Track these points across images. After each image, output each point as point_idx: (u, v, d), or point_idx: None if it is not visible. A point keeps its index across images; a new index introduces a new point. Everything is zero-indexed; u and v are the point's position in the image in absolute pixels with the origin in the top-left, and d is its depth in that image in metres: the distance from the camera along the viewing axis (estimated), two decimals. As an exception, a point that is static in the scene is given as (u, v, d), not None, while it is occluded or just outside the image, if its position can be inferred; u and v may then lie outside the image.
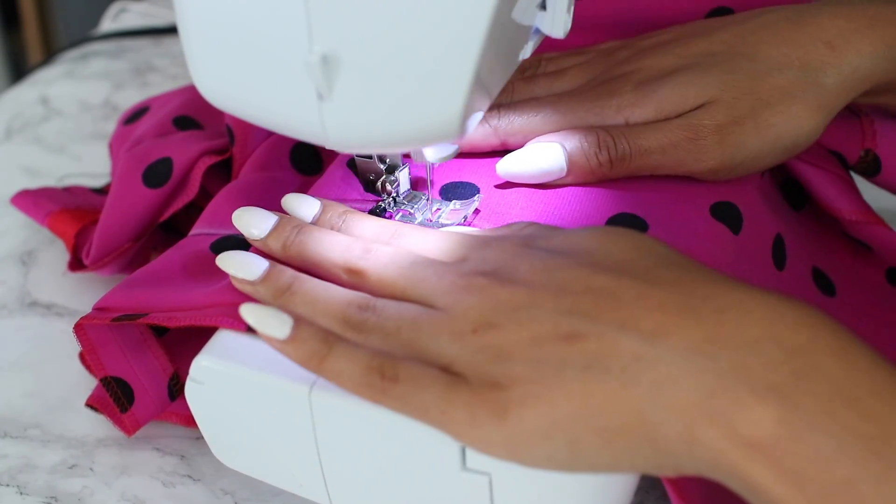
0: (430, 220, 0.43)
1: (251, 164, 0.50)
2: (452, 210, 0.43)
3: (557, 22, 0.41)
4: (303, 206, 0.42)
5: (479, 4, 0.32)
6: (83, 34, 0.90)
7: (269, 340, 0.36)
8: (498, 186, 0.44)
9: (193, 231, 0.47)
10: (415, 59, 0.34)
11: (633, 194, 0.44)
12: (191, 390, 0.39)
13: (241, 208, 0.42)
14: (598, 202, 0.43)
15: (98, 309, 0.43)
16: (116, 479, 0.45)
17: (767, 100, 0.43)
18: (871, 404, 0.30)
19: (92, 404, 0.45)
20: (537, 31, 0.42)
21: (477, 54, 0.33)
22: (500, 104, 0.46)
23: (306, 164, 0.51)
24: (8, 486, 0.45)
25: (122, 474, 0.45)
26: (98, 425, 0.47)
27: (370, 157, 0.43)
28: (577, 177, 0.44)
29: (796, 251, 0.47)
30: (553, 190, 0.44)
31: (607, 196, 0.44)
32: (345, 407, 0.36)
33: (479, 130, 0.45)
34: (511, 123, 0.45)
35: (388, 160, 0.43)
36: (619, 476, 0.35)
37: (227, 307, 0.40)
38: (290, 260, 0.40)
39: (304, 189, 0.47)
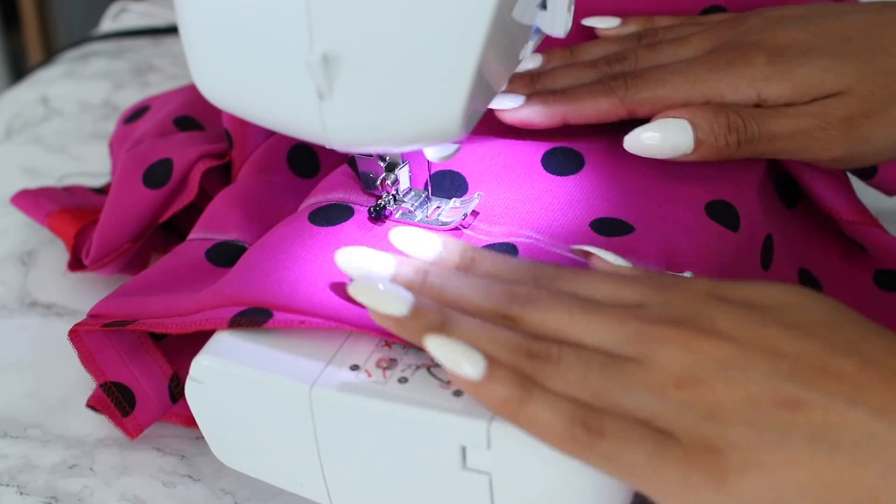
0: (429, 218, 0.43)
1: (248, 167, 0.50)
2: (452, 208, 0.43)
3: (558, 21, 0.41)
4: (423, 247, 0.39)
5: (480, 4, 0.32)
6: (83, 34, 0.89)
7: (457, 380, 0.33)
8: (489, 181, 0.44)
9: (191, 236, 0.48)
10: (416, 58, 0.34)
11: (621, 196, 0.43)
12: (191, 390, 0.39)
13: (355, 251, 0.38)
14: (588, 203, 0.43)
15: (92, 316, 0.44)
16: (116, 479, 0.45)
17: None
18: None
19: (93, 405, 0.45)
20: (538, 30, 0.42)
21: (478, 54, 0.33)
22: (626, 72, 0.45)
23: (304, 166, 0.51)
24: (8, 486, 0.45)
25: (122, 474, 0.45)
26: (98, 425, 0.47)
27: (370, 155, 0.43)
28: (703, 155, 0.43)
29: (784, 251, 0.47)
30: (541, 187, 0.43)
31: (594, 197, 0.44)
32: (345, 406, 0.36)
33: (606, 102, 0.44)
34: (639, 93, 0.44)
35: (388, 158, 0.43)
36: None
37: (212, 310, 0.40)
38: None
39: (300, 192, 0.47)
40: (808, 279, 0.48)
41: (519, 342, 0.34)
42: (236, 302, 0.40)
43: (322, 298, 0.39)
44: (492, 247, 0.41)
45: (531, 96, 0.45)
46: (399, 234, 0.39)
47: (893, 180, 0.50)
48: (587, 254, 0.39)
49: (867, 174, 0.50)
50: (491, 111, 0.45)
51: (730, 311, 0.33)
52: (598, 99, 0.44)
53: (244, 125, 0.50)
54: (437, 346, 0.33)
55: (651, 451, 0.31)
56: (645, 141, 0.43)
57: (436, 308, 0.35)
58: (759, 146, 0.43)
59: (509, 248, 0.41)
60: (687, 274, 0.39)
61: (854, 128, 0.43)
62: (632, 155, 0.44)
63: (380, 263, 0.37)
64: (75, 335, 0.44)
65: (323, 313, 0.38)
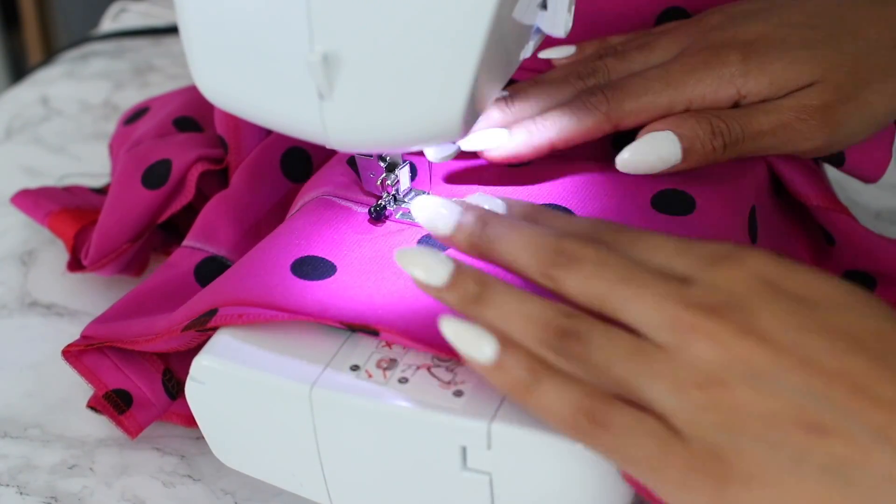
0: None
1: (242, 171, 0.50)
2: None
3: (558, 21, 0.41)
4: (489, 201, 0.38)
5: (480, 4, 0.32)
6: (83, 34, 0.89)
7: (470, 360, 0.33)
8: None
9: (185, 242, 0.48)
10: (416, 58, 0.34)
11: (568, 192, 0.44)
12: (191, 390, 0.39)
13: (424, 198, 0.37)
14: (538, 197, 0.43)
15: (84, 337, 0.45)
16: (116, 479, 0.45)
17: (868, 79, 0.44)
18: None
19: (94, 405, 0.45)
20: (538, 30, 0.42)
21: (478, 54, 0.33)
22: (603, 86, 0.45)
23: (297, 171, 0.51)
24: (8, 486, 0.45)
25: (122, 474, 0.45)
26: (98, 425, 0.47)
27: (370, 155, 0.43)
28: (692, 163, 0.43)
29: (763, 242, 0.47)
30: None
31: (541, 192, 0.44)
32: (345, 406, 0.36)
33: (590, 120, 0.44)
34: (622, 105, 0.44)
35: (388, 158, 0.43)
36: (620, 476, 0.35)
37: (180, 323, 0.41)
38: (479, 258, 0.36)
39: (293, 196, 0.48)
40: None
41: (550, 318, 0.33)
42: (199, 312, 0.40)
43: (263, 289, 0.39)
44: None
45: (512, 127, 0.44)
46: (476, 197, 0.38)
47: (867, 166, 0.50)
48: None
49: (836, 161, 0.50)
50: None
51: (777, 306, 0.30)
52: (582, 119, 0.44)
53: (237, 131, 0.51)
54: (450, 329, 0.33)
55: (655, 449, 0.30)
56: (636, 160, 0.43)
57: (475, 276, 0.34)
58: (745, 146, 0.43)
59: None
60: None
61: (831, 115, 0.43)
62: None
63: (446, 208, 0.36)
64: (69, 355, 0.45)
65: (266, 303, 0.38)
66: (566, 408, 0.32)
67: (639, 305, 0.32)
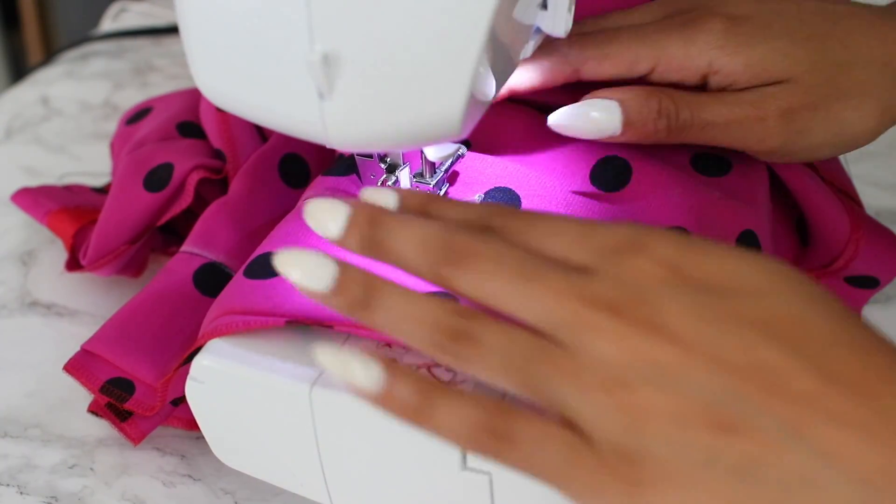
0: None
1: (240, 177, 0.50)
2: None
3: (559, 21, 0.41)
4: (380, 196, 0.34)
5: (480, 4, 0.32)
6: (83, 34, 0.89)
7: (356, 392, 0.30)
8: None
9: (184, 247, 0.49)
10: (416, 58, 0.33)
11: (508, 166, 0.43)
12: (191, 390, 0.39)
13: (314, 200, 0.33)
14: (481, 175, 0.43)
15: (85, 351, 0.45)
16: (117, 478, 0.45)
17: (845, 92, 0.41)
18: None
19: (94, 410, 0.46)
20: (538, 30, 0.42)
21: (478, 53, 0.33)
22: (573, 34, 0.42)
23: (295, 176, 0.51)
24: (8, 486, 0.45)
25: (122, 474, 0.45)
26: (98, 425, 0.47)
27: (370, 156, 0.43)
28: (631, 137, 0.41)
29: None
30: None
31: (487, 169, 0.43)
32: (345, 406, 0.36)
33: (549, 60, 0.42)
34: (585, 50, 0.42)
35: (388, 159, 0.43)
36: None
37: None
38: (371, 258, 0.33)
39: (291, 202, 0.48)
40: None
41: (441, 319, 0.30)
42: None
43: (226, 297, 0.40)
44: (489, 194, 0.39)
45: None
46: (367, 192, 0.34)
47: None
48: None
49: (872, 284, 0.49)
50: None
51: (684, 297, 0.28)
52: (543, 61, 0.42)
53: (233, 141, 0.52)
54: (329, 361, 0.30)
55: (563, 457, 0.29)
56: (568, 119, 0.41)
57: (361, 279, 0.31)
58: (691, 133, 0.41)
59: (506, 194, 0.39)
60: None
61: (793, 120, 0.41)
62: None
63: (335, 211, 0.32)
64: (74, 370, 0.45)
65: (227, 309, 0.39)
66: (466, 427, 0.29)
67: (537, 303, 0.29)
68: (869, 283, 0.50)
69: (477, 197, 0.43)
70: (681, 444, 0.27)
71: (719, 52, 0.41)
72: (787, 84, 0.41)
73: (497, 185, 0.43)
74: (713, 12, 0.42)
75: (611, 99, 0.41)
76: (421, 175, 0.42)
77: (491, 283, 0.30)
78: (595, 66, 0.42)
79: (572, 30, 0.42)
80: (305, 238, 0.41)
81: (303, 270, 0.31)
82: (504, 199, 0.42)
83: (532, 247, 0.31)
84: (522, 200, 0.42)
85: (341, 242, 0.32)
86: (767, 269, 0.29)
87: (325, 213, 0.32)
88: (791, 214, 0.50)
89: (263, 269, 0.40)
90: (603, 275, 0.29)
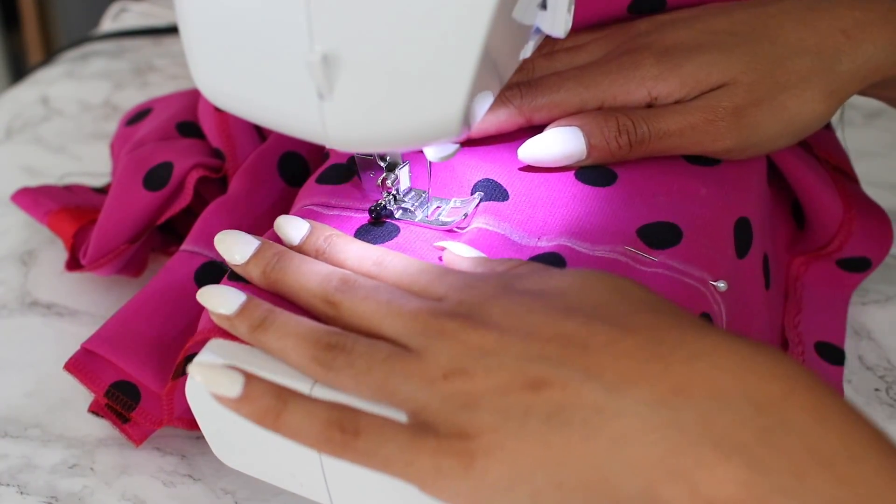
0: (430, 218, 0.43)
1: (240, 176, 0.51)
2: (452, 208, 0.43)
3: (558, 21, 0.41)
4: (291, 228, 0.41)
5: (480, 4, 0.32)
6: (83, 34, 0.90)
7: (221, 400, 0.35)
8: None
9: (184, 246, 0.49)
10: (415, 58, 0.34)
11: (500, 165, 0.44)
12: (191, 390, 0.39)
13: (223, 232, 0.40)
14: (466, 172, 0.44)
15: (85, 350, 0.45)
16: (117, 478, 0.45)
17: (785, 83, 0.44)
18: (844, 466, 0.28)
19: (95, 410, 0.45)
20: (538, 30, 0.42)
21: (477, 54, 0.33)
22: (521, 82, 0.46)
23: (294, 174, 0.51)
24: (8, 486, 0.45)
25: (122, 474, 0.45)
26: (98, 425, 0.47)
27: (370, 155, 0.43)
28: (597, 159, 0.44)
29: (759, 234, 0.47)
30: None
31: (475, 167, 0.45)
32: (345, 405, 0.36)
33: (503, 112, 0.45)
34: (535, 100, 0.45)
35: (388, 158, 0.43)
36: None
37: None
38: (269, 288, 0.39)
39: (290, 200, 0.48)
40: (766, 267, 0.48)
41: (320, 336, 0.36)
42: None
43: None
44: (540, 258, 0.40)
45: None
46: (281, 221, 0.41)
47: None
48: (442, 248, 0.41)
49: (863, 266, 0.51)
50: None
51: (508, 301, 0.34)
52: (496, 110, 0.45)
53: (231, 141, 0.52)
54: (198, 372, 0.36)
55: (405, 443, 0.32)
56: (537, 151, 0.44)
57: (262, 307, 0.37)
58: (651, 145, 0.44)
59: (556, 260, 0.40)
60: (720, 285, 0.40)
61: (742, 117, 0.44)
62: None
63: (240, 245, 0.40)
64: (73, 368, 0.45)
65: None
66: (316, 424, 0.34)
67: (398, 321, 0.35)
68: (860, 266, 0.52)
69: (476, 197, 0.43)
70: (503, 408, 0.32)
71: (654, 82, 0.44)
72: (728, 87, 0.44)
73: (486, 178, 0.44)
74: (646, 48, 0.45)
75: (572, 126, 0.44)
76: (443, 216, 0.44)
77: (365, 307, 0.36)
78: (546, 113, 0.45)
79: (522, 75, 0.46)
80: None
81: (217, 299, 0.38)
82: (492, 191, 0.43)
83: (403, 284, 0.37)
84: (510, 196, 0.43)
85: (244, 271, 0.40)
86: (581, 274, 0.35)
87: (233, 244, 0.40)
88: (787, 198, 0.51)
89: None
90: (451, 300, 0.35)
